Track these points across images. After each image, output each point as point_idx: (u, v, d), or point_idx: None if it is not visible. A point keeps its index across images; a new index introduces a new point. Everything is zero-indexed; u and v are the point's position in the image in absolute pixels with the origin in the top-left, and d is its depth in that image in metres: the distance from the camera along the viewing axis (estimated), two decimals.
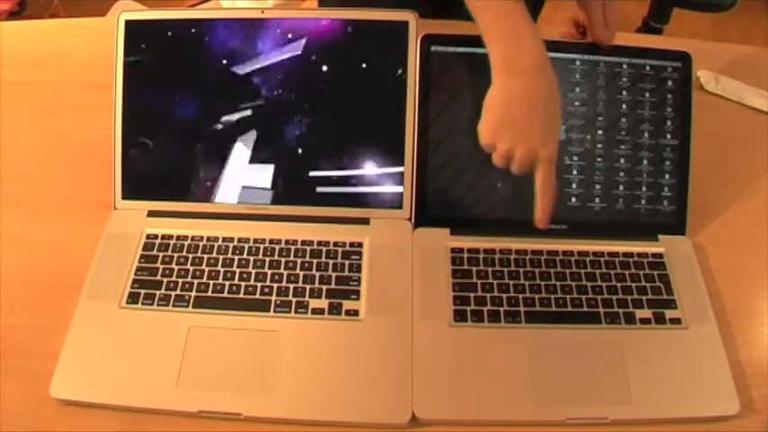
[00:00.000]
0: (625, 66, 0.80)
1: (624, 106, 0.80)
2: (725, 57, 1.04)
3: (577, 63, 0.80)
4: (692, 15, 1.47)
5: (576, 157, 0.80)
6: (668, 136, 0.80)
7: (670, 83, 0.80)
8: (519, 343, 0.70)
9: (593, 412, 0.66)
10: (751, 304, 0.77)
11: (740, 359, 0.71)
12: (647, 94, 0.80)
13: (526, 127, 0.67)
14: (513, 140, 0.67)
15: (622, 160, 0.80)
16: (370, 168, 0.80)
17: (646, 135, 0.80)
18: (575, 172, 0.80)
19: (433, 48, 0.79)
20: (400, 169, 0.79)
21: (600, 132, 0.80)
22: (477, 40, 0.78)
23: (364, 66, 0.79)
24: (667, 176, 0.80)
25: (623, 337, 0.71)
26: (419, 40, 0.78)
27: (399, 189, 0.79)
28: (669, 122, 0.80)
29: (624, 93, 0.80)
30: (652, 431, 0.66)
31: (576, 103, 0.80)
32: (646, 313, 0.73)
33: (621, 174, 0.80)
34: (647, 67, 0.80)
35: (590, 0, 0.78)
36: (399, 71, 0.78)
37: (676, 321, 0.72)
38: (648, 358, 0.69)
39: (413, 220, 0.80)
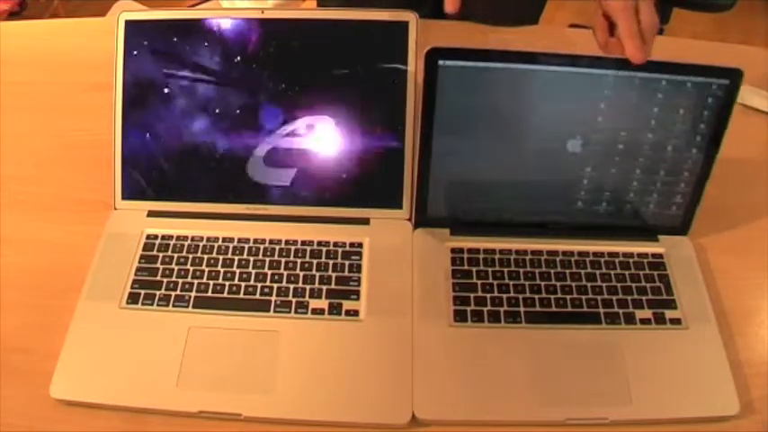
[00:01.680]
0: (664, 82, 0.71)
1: (653, 122, 0.73)
2: (725, 57, 1.04)
3: (610, 78, 0.71)
4: (692, 15, 1.47)
5: (589, 169, 0.76)
6: (694, 150, 0.74)
7: (710, 100, 0.72)
8: (519, 343, 0.70)
9: (594, 412, 0.66)
10: (751, 304, 0.77)
11: (740, 359, 0.71)
12: (682, 111, 0.72)
13: None
14: None
15: (638, 171, 0.76)
16: (370, 168, 0.80)
17: (669, 149, 0.74)
18: (586, 182, 0.77)
19: (439, 62, 0.72)
20: (400, 169, 0.79)
21: (621, 147, 0.74)
22: (480, 54, 0.73)
23: (364, 66, 0.79)
24: (683, 185, 0.77)
25: (623, 338, 0.71)
26: (425, 54, 0.72)
27: (399, 189, 0.79)
28: (699, 138, 0.73)
29: (656, 109, 0.72)
30: (652, 431, 0.66)
31: (600, 119, 0.73)
32: (646, 313, 0.73)
33: (635, 184, 0.77)
34: (689, 84, 0.71)
35: (619, 4, 0.66)
36: (399, 71, 0.78)
37: (676, 321, 0.72)
38: (648, 358, 0.69)
39: (413, 220, 0.80)
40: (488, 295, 0.74)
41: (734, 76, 0.72)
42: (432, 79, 0.73)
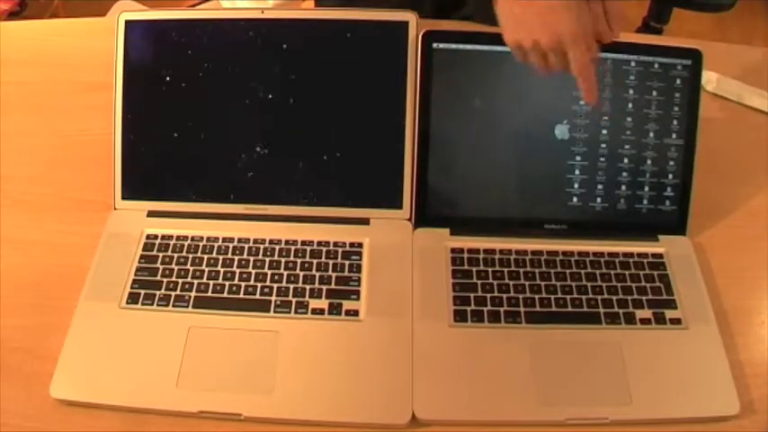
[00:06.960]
0: (633, 63, 0.78)
1: (630, 105, 0.78)
2: (725, 57, 1.04)
3: None
4: (692, 15, 1.46)
5: (578, 157, 0.79)
6: (674, 135, 0.79)
7: (678, 81, 0.78)
8: (519, 343, 0.70)
9: (594, 412, 0.66)
10: (751, 304, 0.77)
11: (740, 359, 0.71)
12: (655, 93, 0.78)
13: (534, 14, 0.64)
14: (532, 31, 0.64)
15: (626, 160, 0.79)
16: (370, 168, 0.80)
17: (651, 134, 0.79)
18: (577, 172, 0.79)
19: (434, 45, 0.78)
20: (400, 169, 0.79)
21: (604, 132, 0.79)
22: (478, 37, 0.78)
23: (364, 66, 0.79)
24: (671, 176, 0.79)
25: (623, 338, 0.71)
26: (420, 37, 0.78)
27: (399, 189, 0.79)
28: (675, 122, 0.79)
29: (631, 91, 0.78)
30: (652, 431, 0.66)
31: (581, 102, 0.78)
32: (646, 313, 0.73)
33: (624, 174, 0.79)
34: (656, 65, 0.78)
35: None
36: (399, 71, 0.78)
37: (676, 321, 0.72)
38: (648, 358, 0.69)
39: (413, 220, 0.80)
40: (488, 295, 0.74)
41: (695, 57, 0.78)
42: (427, 63, 0.77)
